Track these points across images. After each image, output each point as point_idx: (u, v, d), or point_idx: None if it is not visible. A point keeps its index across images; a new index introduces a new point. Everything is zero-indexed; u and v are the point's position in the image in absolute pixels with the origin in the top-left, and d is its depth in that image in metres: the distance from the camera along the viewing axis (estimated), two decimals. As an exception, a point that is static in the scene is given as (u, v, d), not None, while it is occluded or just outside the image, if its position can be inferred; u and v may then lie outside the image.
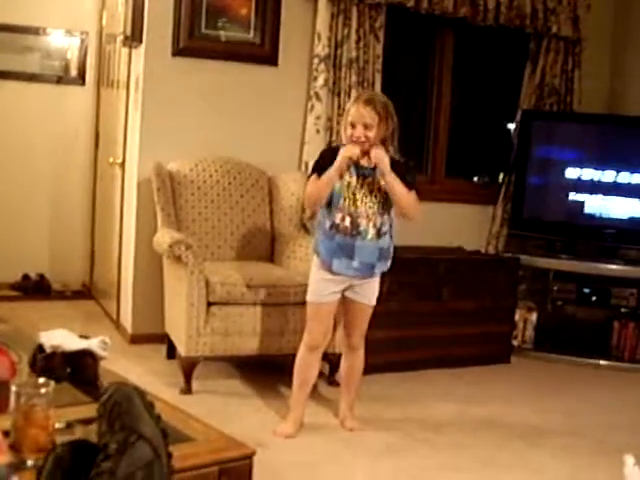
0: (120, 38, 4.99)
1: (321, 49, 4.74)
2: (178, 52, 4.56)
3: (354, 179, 3.30)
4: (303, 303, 3.91)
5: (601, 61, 5.72)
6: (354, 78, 4.81)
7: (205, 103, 4.66)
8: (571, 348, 4.95)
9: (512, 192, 5.36)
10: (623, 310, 5.02)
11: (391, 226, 3.38)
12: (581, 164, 5.08)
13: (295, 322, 3.92)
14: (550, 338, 5.05)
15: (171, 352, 4.22)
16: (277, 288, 3.90)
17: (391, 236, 3.39)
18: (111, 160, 5.11)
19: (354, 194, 3.29)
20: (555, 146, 5.17)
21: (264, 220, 4.51)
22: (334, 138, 4.80)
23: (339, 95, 4.81)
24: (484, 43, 5.56)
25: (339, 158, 3.22)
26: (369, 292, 3.42)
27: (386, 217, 3.34)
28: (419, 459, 3.21)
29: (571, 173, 5.11)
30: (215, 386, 3.95)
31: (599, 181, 5.04)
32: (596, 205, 5.05)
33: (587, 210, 5.07)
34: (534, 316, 5.06)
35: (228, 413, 3.54)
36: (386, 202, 3.31)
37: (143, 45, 4.53)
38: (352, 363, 3.53)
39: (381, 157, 3.20)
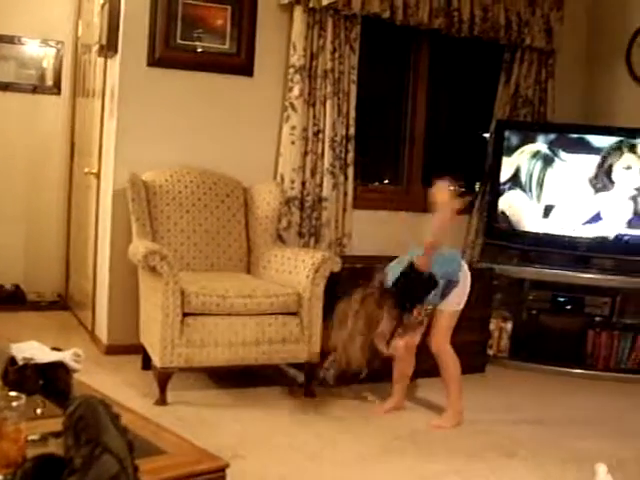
0: (96, 48, 4.98)
1: (296, 60, 4.76)
2: (154, 62, 4.56)
3: None
4: (279, 313, 3.95)
5: (575, 72, 5.78)
6: (329, 89, 4.82)
7: (181, 113, 4.66)
8: (546, 357, 4.97)
9: (487, 202, 5.40)
10: (597, 319, 5.05)
11: None
12: (555, 173, 5.12)
13: (271, 332, 3.92)
14: (525, 347, 5.07)
15: (146, 363, 4.20)
16: (253, 298, 3.89)
17: None
18: (86, 170, 5.09)
19: None
20: (528, 156, 5.20)
21: (240, 230, 4.51)
22: (309, 148, 4.82)
23: (314, 106, 4.83)
24: (459, 54, 5.59)
25: None
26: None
27: None
28: (391, 469, 3.21)
29: (544, 183, 5.15)
30: (190, 397, 3.93)
31: (573, 190, 5.08)
32: (570, 214, 5.09)
33: (561, 219, 5.11)
34: (509, 325, 5.08)
35: (203, 424, 3.53)
36: None
37: (119, 55, 4.53)
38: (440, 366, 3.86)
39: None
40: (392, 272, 3.62)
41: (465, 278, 3.84)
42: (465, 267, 3.87)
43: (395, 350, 3.73)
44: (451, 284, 3.76)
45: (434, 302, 3.73)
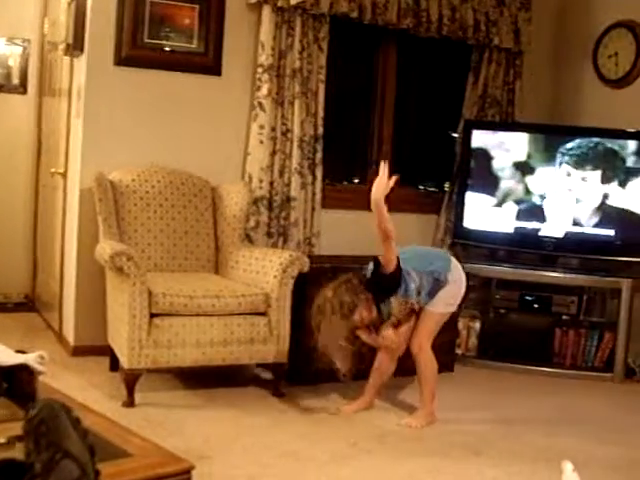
0: (62, 46, 4.93)
1: (265, 59, 4.74)
2: (121, 61, 4.53)
3: None
4: (247, 314, 3.94)
5: (542, 72, 5.83)
6: (298, 88, 4.82)
7: (148, 113, 4.63)
8: (513, 355, 5.01)
9: (455, 201, 5.42)
10: (564, 317, 5.10)
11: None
12: (522, 173, 5.15)
13: (239, 333, 3.91)
14: (493, 346, 5.10)
15: (114, 364, 4.17)
16: (220, 299, 3.88)
17: None
18: (53, 170, 5.04)
19: None
20: (496, 155, 5.23)
21: (207, 230, 4.49)
22: (278, 148, 4.81)
23: (282, 105, 4.82)
24: (427, 54, 5.61)
25: None
26: None
27: None
28: (363, 469, 3.21)
29: (512, 182, 5.18)
30: (158, 398, 3.91)
31: (540, 190, 5.12)
32: (537, 213, 5.13)
33: (528, 219, 5.15)
34: (477, 324, 5.11)
35: (171, 426, 3.51)
36: None
37: (85, 54, 4.48)
38: (417, 366, 3.84)
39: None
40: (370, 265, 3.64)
41: (460, 280, 3.83)
42: (458, 268, 3.84)
43: (384, 339, 3.70)
44: (439, 283, 3.74)
45: (418, 300, 3.69)
